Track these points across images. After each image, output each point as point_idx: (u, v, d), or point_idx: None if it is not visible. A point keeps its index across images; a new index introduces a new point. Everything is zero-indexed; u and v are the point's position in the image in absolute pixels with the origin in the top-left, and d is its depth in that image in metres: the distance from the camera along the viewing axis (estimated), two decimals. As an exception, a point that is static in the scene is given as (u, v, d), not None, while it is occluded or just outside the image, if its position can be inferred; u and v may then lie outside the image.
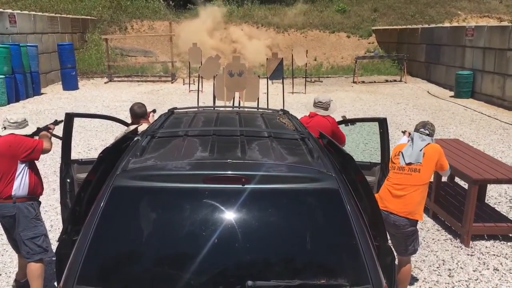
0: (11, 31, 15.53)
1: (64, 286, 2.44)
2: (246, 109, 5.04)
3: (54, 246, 4.40)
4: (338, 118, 5.64)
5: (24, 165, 4.17)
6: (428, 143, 4.35)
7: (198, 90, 12.88)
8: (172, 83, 19.51)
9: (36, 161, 4.37)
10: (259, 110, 5.11)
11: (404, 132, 5.03)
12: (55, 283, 4.44)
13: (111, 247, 2.56)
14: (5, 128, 4.21)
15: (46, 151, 4.31)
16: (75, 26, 21.32)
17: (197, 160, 2.93)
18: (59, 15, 20.16)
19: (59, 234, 4.45)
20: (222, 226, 2.54)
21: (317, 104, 5.40)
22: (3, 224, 4.33)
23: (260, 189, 2.65)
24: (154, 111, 5.35)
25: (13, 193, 4.12)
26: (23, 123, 4.27)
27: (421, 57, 20.25)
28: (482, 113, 13.47)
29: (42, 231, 4.26)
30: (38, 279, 4.18)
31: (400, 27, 23.16)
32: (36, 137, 4.37)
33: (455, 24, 22.03)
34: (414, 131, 4.49)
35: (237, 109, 5.63)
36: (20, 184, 4.15)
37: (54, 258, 4.32)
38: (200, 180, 2.63)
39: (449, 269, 5.08)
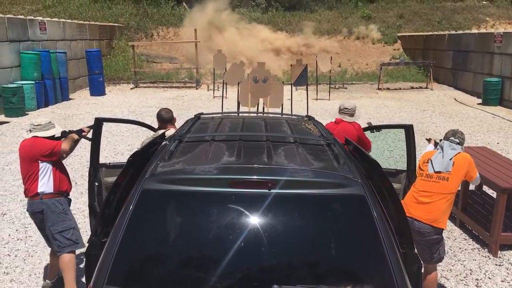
0: (41, 38, 15.95)
1: (94, 286, 2.49)
2: (271, 115, 5.06)
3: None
4: (363, 125, 5.62)
5: (46, 164, 4.32)
6: (458, 152, 4.31)
7: (222, 96, 12.99)
8: (196, 89, 19.70)
9: (63, 160, 4.52)
10: (285, 116, 5.13)
11: (429, 140, 4.98)
12: (83, 279, 4.53)
13: (140, 249, 2.61)
14: (30, 131, 4.39)
15: (64, 151, 4.42)
16: (103, 33, 21.75)
17: (224, 164, 2.96)
18: (88, 22, 20.61)
19: (86, 235, 4.57)
20: (248, 230, 2.56)
21: (342, 111, 5.39)
22: (35, 222, 4.49)
23: (286, 194, 2.66)
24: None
25: (39, 191, 4.30)
26: (47, 126, 4.41)
27: (448, 63, 19.98)
28: (510, 121, 13.20)
29: (70, 224, 4.39)
30: (71, 271, 4.29)
31: (426, 33, 22.92)
32: (63, 139, 4.49)
33: (483, 30, 21.69)
34: (444, 139, 4.44)
35: (263, 115, 5.65)
36: (45, 182, 4.31)
37: (83, 257, 4.42)
38: (227, 184, 2.66)
39: (477, 279, 4.99)
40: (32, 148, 4.29)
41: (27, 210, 4.45)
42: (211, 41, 22.02)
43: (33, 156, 4.28)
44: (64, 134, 4.53)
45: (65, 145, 4.40)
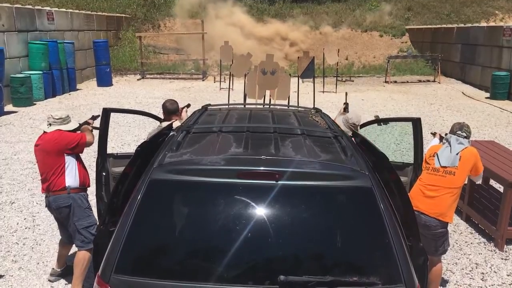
0: (49, 28, 15.98)
1: (102, 275, 2.51)
2: (279, 107, 5.06)
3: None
4: (370, 119, 5.60)
5: (71, 157, 4.33)
6: (466, 147, 4.29)
7: (229, 88, 12.97)
8: (203, 80, 19.70)
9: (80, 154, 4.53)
10: (292, 108, 5.12)
11: (434, 134, 4.95)
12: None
13: (147, 238, 2.63)
14: (50, 124, 4.35)
15: (89, 143, 4.47)
16: (110, 23, 21.76)
17: (232, 155, 2.97)
18: (95, 13, 20.61)
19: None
20: (255, 221, 2.57)
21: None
22: (57, 217, 4.47)
23: (293, 185, 2.67)
24: (188, 105, 5.41)
25: (66, 185, 4.27)
26: (66, 119, 4.42)
27: (456, 57, 19.84)
28: (519, 115, 13.13)
29: (94, 220, 4.42)
30: (84, 268, 4.30)
31: (434, 26, 22.74)
32: (79, 132, 4.51)
33: (492, 24, 21.51)
34: (450, 133, 4.42)
35: (271, 107, 5.65)
36: (72, 176, 4.31)
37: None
38: (234, 175, 2.67)
39: (482, 273, 4.99)
40: (58, 141, 4.27)
41: (49, 206, 4.39)
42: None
43: (59, 149, 4.26)
44: (79, 127, 4.55)
45: (89, 137, 4.44)
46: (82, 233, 4.29)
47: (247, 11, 24.92)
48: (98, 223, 4.44)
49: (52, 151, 4.26)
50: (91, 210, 4.45)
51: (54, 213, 4.44)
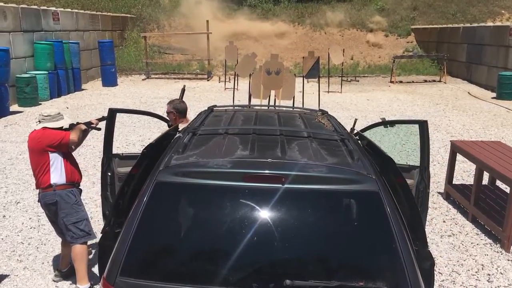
0: (54, 28, 16.02)
1: (108, 277, 2.51)
2: (284, 109, 5.04)
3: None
4: (376, 119, 5.56)
5: (57, 154, 4.32)
6: None
7: (234, 88, 12.97)
8: (208, 80, 19.70)
9: (73, 151, 4.53)
10: (298, 109, 5.10)
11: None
12: (93, 269, 4.60)
13: (153, 241, 2.63)
14: (39, 122, 4.37)
15: (72, 142, 4.41)
16: (115, 23, 21.81)
17: (238, 158, 2.95)
18: (100, 13, 20.66)
19: (98, 225, 4.60)
20: (261, 225, 2.56)
21: None
22: (47, 214, 4.51)
23: (300, 189, 2.66)
24: (183, 88, 5.34)
25: (52, 182, 4.30)
26: (56, 117, 4.40)
27: (462, 57, 19.75)
28: (525, 115, 13.05)
29: (83, 216, 4.42)
30: (83, 261, 4.34)
31: (440, 26, 22.65)
32: (71, 130, 4.49)
33: (498, 23, 21.39)
34: None
35: (277, 108, 5.62)
36: (57, 173, 4.31)
37: (93, 250, 4.44)
38: (240, 178, 2.66)
39: (488, 274, 4.96)
40: (41, 139, 4.29)
41: (39, 202, 4.46)
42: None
43: (42, 147, 4.28)
44: (72, 126, 4.53)
45: (73, 136, 4.39)
46: (71, 229, 4.32)
47: (251, 12, 24.93)
48: (88, 219, 4.50)
49: (36, 149, 4.30)
50: (80, 205, 4.45)
51: (44, 209, 4.50)
